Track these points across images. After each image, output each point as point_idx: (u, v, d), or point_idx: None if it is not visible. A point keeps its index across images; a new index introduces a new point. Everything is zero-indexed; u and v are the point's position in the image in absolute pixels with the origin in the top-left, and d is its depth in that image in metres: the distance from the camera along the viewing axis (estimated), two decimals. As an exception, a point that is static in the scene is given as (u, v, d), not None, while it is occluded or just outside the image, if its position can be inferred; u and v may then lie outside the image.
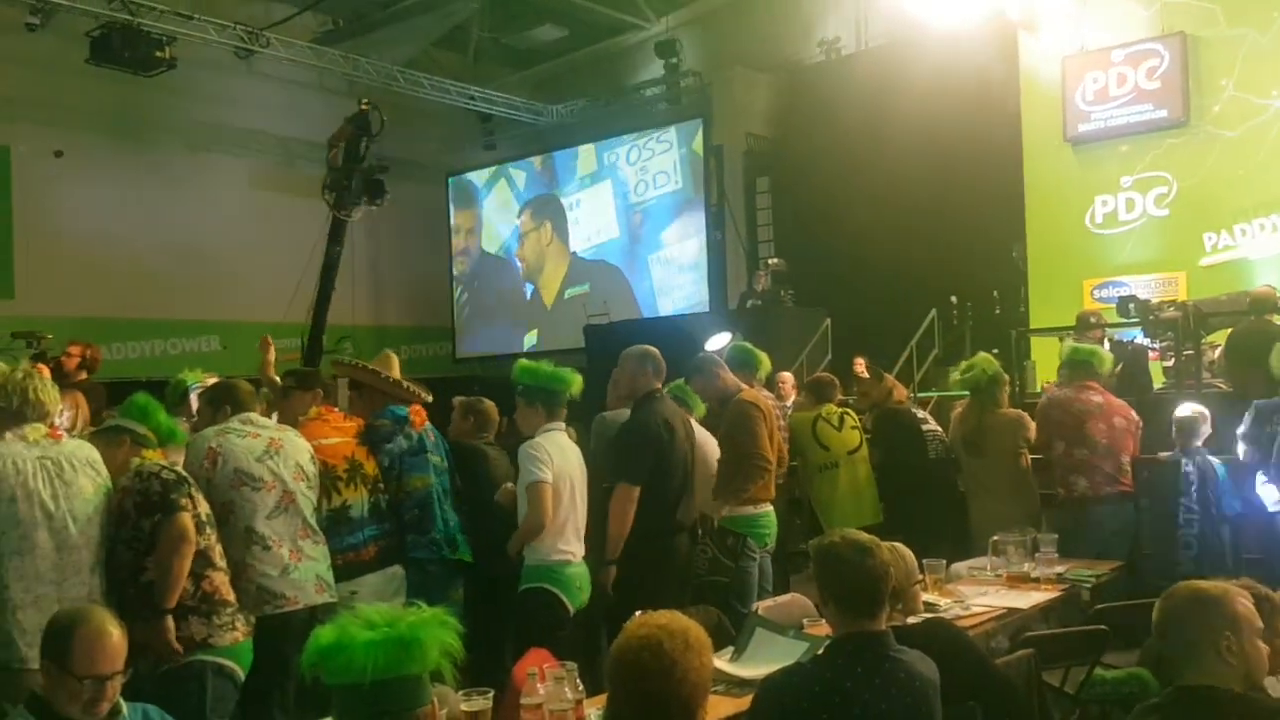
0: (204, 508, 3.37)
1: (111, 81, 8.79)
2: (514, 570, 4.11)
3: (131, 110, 9.31)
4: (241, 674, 3.34)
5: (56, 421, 3.37)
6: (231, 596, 3.36)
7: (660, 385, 4.32)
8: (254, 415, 3.78)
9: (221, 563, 3.38)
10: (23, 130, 9.07)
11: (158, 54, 8.26)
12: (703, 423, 4.79)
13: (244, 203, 10.36)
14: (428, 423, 4.31)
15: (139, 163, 9.64)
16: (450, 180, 12.18)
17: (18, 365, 3.28)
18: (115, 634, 2.46)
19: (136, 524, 3.27)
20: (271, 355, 5.29)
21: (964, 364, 5.19)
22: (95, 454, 3.31)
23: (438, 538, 4.11)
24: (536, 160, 11.71)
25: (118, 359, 8.33)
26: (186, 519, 3.22)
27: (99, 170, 9.43)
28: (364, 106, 8.95)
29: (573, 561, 4.00)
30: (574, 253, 11.39)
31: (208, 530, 3.34)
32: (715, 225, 10.31)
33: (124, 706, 2.53)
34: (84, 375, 5.44)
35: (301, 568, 3.61)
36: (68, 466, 3.23)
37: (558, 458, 3.99)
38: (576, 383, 4.14)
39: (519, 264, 11.76)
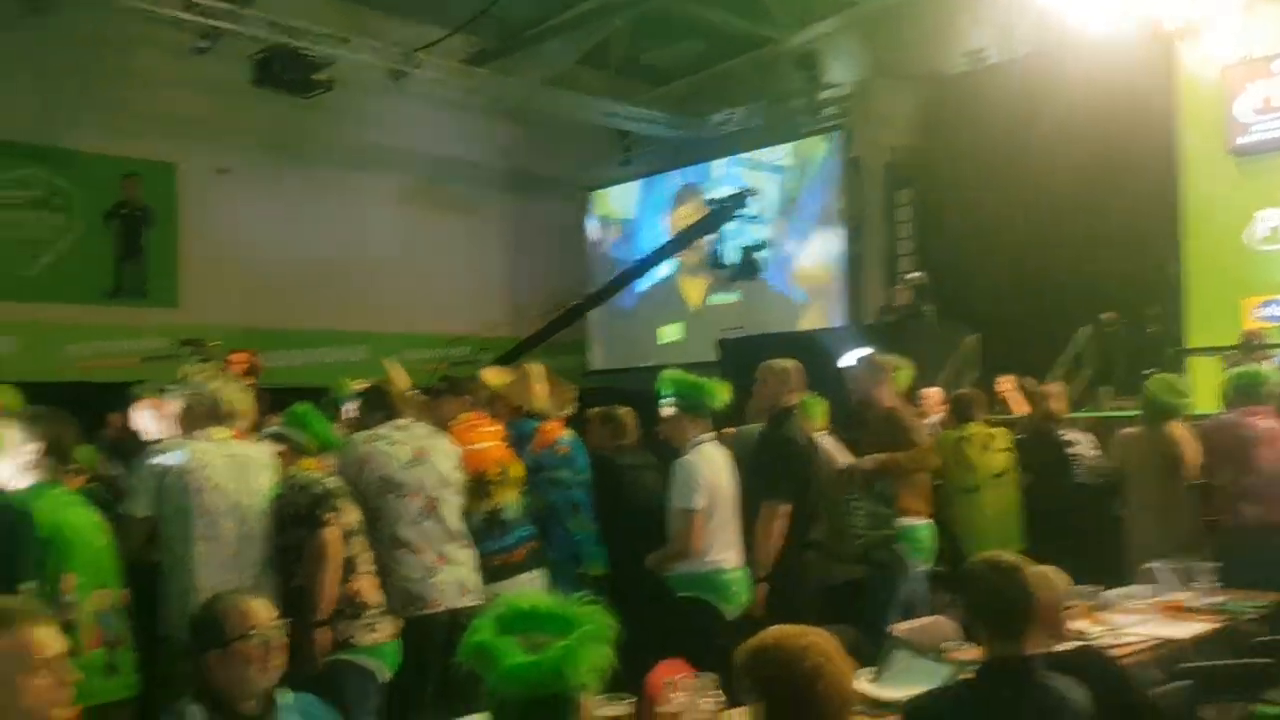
0: (352, 516, 3.52)
1: (272, 102, 9.27)
2: (651, 580, 4.14)
3: (291, 130, 9.78)
4: (384, 672, 3.46)
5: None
6: (375, 599, 3.50)
7: (798, 400, 4.31)
8: (405, 421, 3.91)
9: (367, 567, 3.52)
10: (189, 149, 9.62)
11: (316, 76, 8.69)
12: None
13: (393, 219, 10.77)
14: (561, 436, 4.37)
15: (297, 180, 10.11)
16: (588, 194, 12.37)
17: (214, 370, 3.50)
18: (258, 600, 2.61)
19: (286, 532, 3.45)
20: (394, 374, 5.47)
21: (1159, 382, 4.94)
22: (269, 457, 3.51)
23: (560, 553, 4.20)
24: (675, 175, 11.78)
25: (272, 366, 8.70)
26: (329, 535, 3.38)
27: (259, 187, 9.93)
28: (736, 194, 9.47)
29: (726, 568, 4.02)
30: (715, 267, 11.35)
31: (353, 540, 3.49)
32: (853, 238, 10.16)
33: (285, 696, 2.65)
34: (250, 381, 5.74)
35: (445, 572, 3.72)
36: (250, 465, 3.44)
37: (709, 475, 4.01)
38: (723, 392, 4.14)
39: (660, 272, 11.72)
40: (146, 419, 4.16)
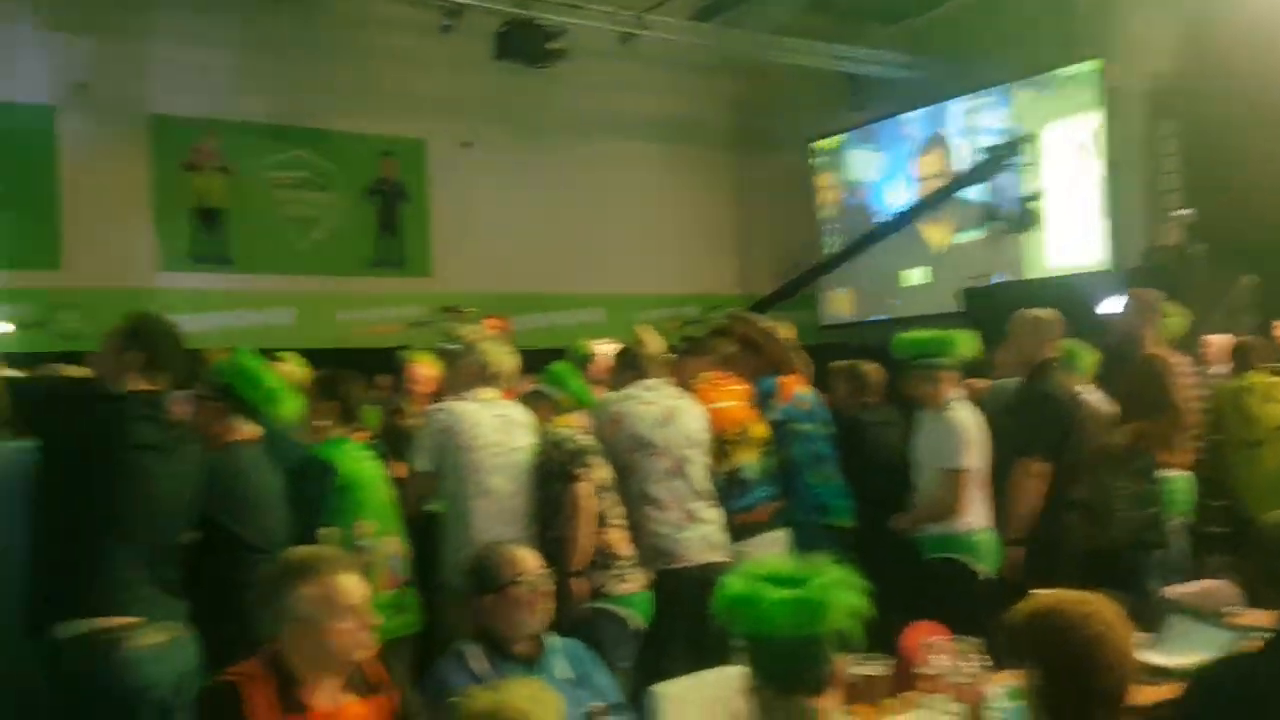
0: (603, 473, 3.67)
1: (512, 75, 9.60)
2: (895, 540, 4.08)
3: (530, 101, 10.10)
4: (636, 621, 3.59)
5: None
6: (626, 551, 3.64)
7: (1059, 352, 4.09)
8: (654, 381, 4.01)
9: (618, 521, 3.66)
10: (437, 125, 10.13)
11: (550, 46, 8.92)
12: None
13: (624, 182, 10.94)
14: (800, 390, 4.36)
15: (535, 149, 10.45)
16: (817, 144, 12.09)
17: (483, 333, 3.72)
18: (526, 549, 2.78)
19: (543, 486, 3.64)
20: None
21: None
22: (529, 416, 3.72)
23: (805, 505, 4.19)
24: (912, 118, 11.30)
25: (516, 330, 9.11)
26: (583, 489, 3.55)
27: (501, 158, 10.33)
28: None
29: (977, 529, 3.93)
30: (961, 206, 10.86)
31: (605, 495, 3.63)
32: (1113, 175, 9.44)
33: (552, 637, 2.81)
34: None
35: (692, 528, 3.83)
36: (515, 425, 3.66)
37: (974, 433, 3.91)
38: (966, 343, 4.01)
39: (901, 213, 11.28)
40: (420, 380, 4.48)
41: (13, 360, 4.04)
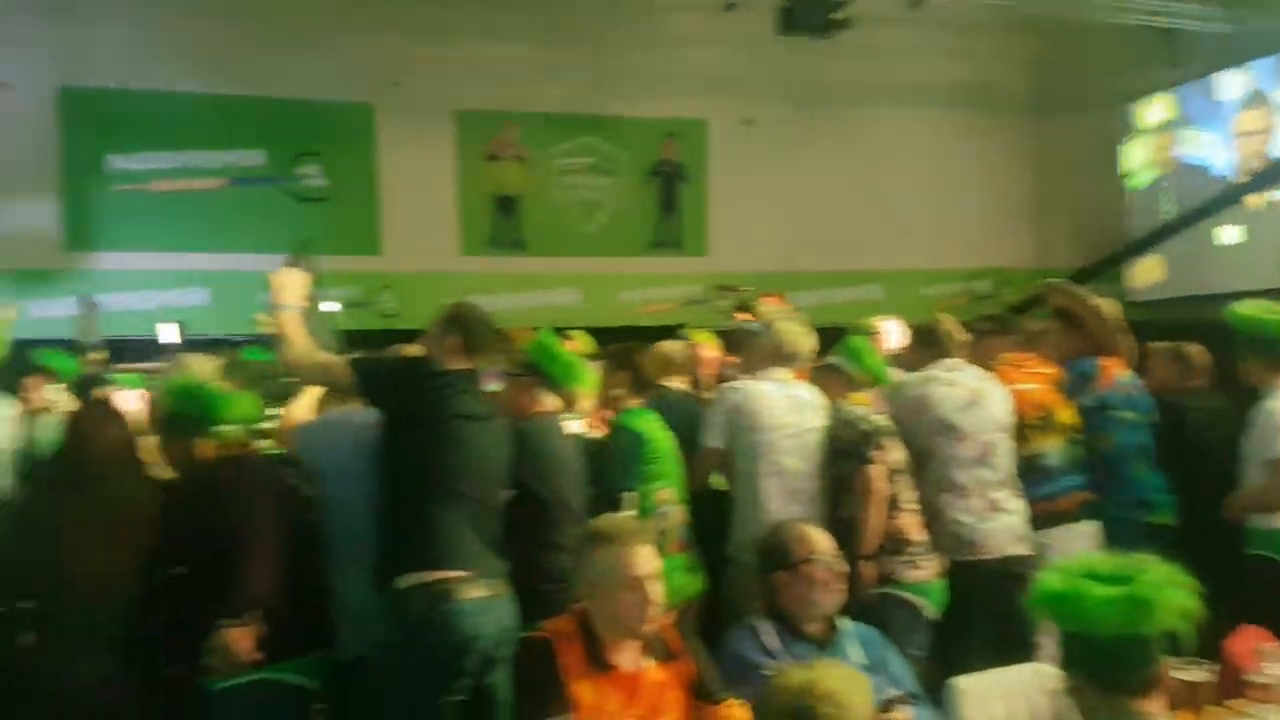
0: (896, 455, 3.58)
1: (794, 48, 9.52)
2: (1220, 535, 3.73)
3: (812, 74, 9.98)
4: (928, 610, 3.49)
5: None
6: (919, 537, 3.53)
7: None
8: (956, 361, 3.87)
9: (911, 505, 3.56)
10: (719, 104, 10.22)
11: (834, 16, 8.75)
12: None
13: (910, 152, 10.60)
14: (1121, 374, 4.05)
15: (817, 123, 10.32)
16: (1125, 106, 11.15)
17: (792, 315, 3.75)
18: (819, 529, 2.78)
19: (834, 465, 3.60)
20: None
21: None
22: (818, 396, 3.71)
23: (1125, 499, 3.89)
24: (1230, 72, 10.19)
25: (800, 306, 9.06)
26: (875, 471, 3.47)
27: (782, 134, 10.29)
28: None
29: None
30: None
31: (898, 478, 3.55)
32: None
33: (844, 623, 2.80)
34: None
35: (996, 518, 3.65)
36: (807, 405, 3.67)
37: None
38: None
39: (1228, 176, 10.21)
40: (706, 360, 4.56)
41: (344, 338, 4.48)
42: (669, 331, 6.51)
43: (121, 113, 8.62)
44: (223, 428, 3.10)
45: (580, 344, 5.92)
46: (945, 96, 10.55)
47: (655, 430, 3.70)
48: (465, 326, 3.15)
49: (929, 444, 3.72)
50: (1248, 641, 2.90)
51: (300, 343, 3.09)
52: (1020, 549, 3.67)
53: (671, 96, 10.08)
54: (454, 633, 2.80)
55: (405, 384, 3.06)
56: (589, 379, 3.59)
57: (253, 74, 8.82)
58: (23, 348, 5.88)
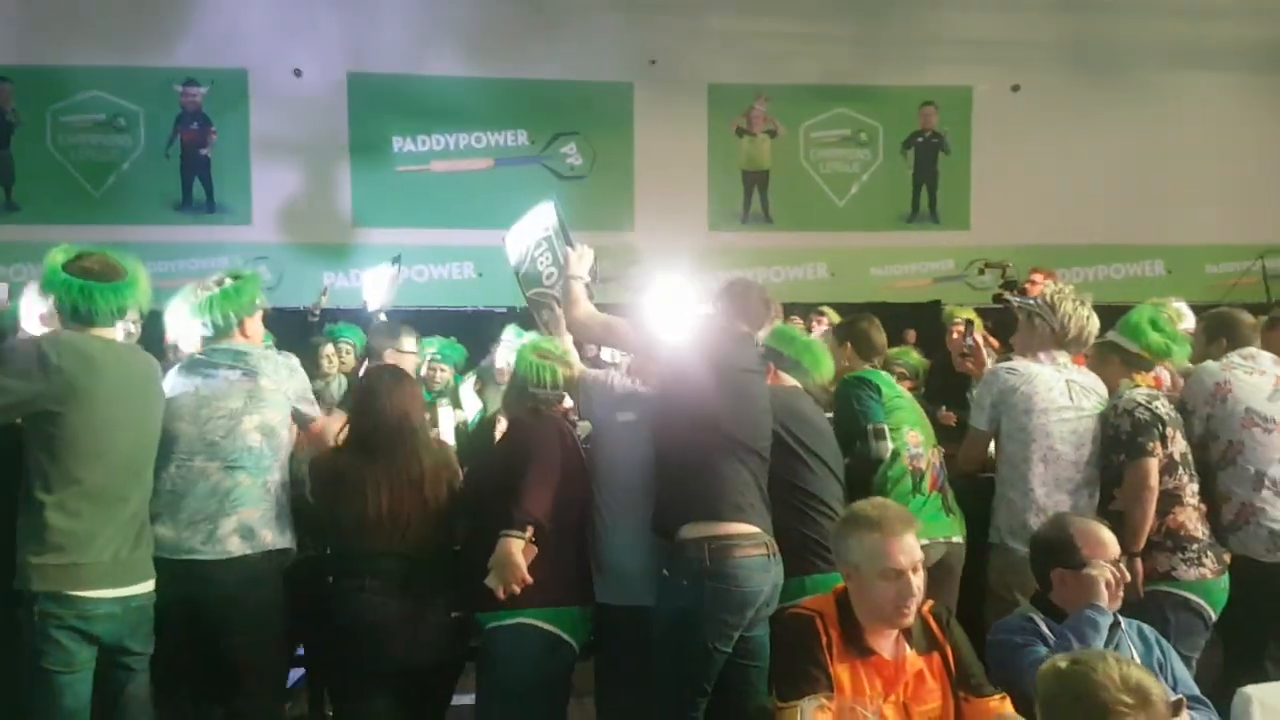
0: (1179, 447, 3.32)
1: (1066, 10, 8.97)
2: None
3: (1086, 36, 9.40)
4: (1208, 610, 3.25)
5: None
6: (1201, 533, 3.28)
7: None
8: (1251, 350, 3.57)
9: (1193, 500, 3.32)
10: (984, 70, 9.77)
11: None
12: None
13: (1201, 117, 9.73)
14: None
15: (1090, 88, 9.68)
16: None
17: (1079, 297, 3.58)
18: (1110, 532, 2.63)
19: (1107, 455, 3.38)
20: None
21: None
22: (1100, 384, 3.50)
23: None
24: None
25: (1071, 283, 8.56)
26: (1150, 465, 3.24)
27: (1052, 100, 9.72)
28: None
29: None
30: None
31: (1179, 471, 3.29)
32: None
33: (1120, 619, 2.64)
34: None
35: None
36: (1085, 390, 3.49)
37: None
38: None
39: None
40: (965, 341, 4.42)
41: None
42: (922, 309, 6.31)
43: (404, 97, 9.26)
44: (540, 392, 3.31)
45: (828, 318, 5.89)
46: (1236, 56, 9.60)
47: (889, 382, 3.76)
48: (743, 294, 3.32)
49: (1238, 436, 3.43)
50: None
51: (586, 306, 3.33)
52: None
53: (933, 64, 9.74)
54: (737, 585, 2.87)
55: (691, 338, 3.20)
56: (827, 364, 3.59)
57: (516, 57, 9.23)
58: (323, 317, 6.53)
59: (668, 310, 3.82)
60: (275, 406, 3.18)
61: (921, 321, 7.34)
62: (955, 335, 5.78)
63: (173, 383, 3.14)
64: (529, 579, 2.95)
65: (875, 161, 10.15)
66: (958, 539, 3.55)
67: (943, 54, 9.61)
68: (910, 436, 3.57)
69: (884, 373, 3.83)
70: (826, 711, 2.16)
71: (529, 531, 2.97)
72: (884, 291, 9.58)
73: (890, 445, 3.50)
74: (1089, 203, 9.63)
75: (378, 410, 3.17)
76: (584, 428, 3.51)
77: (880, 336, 3.90)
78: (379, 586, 3.02)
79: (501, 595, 2.96)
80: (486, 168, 9.48)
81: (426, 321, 7.54)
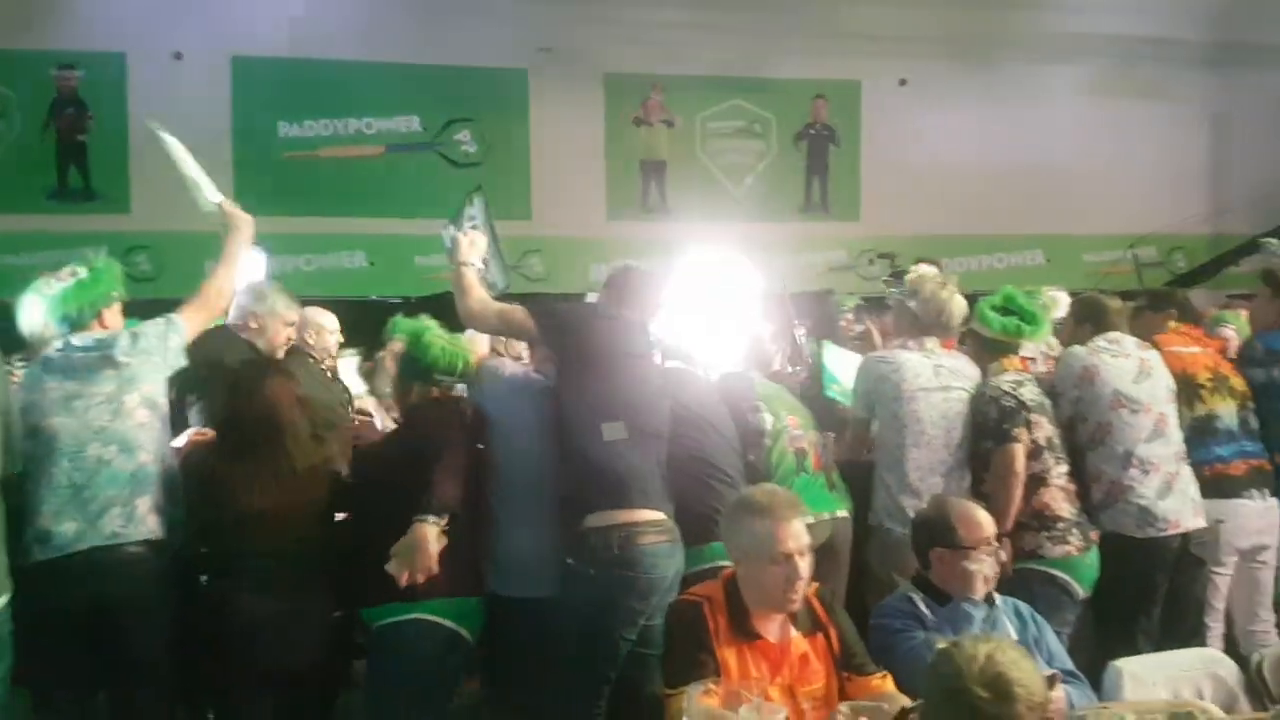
0: (1043, 432, 3.46)
1: (951, 4, 9.18)
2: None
3: (970, 31, 9.60)
4: (1074, 586, 3.38)
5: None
6: (1066, 512, 3.43)
7: None
8: (1120, 335, 3.74)
9: (1059, 481, 3.46)
10: (872, 64, 9.94)
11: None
12: None
13: (1076, 112, 10.08)
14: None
15: (975, 83, 9.91)
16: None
17: (941, 280, 3.67)
18: (986, 514, 2.73)
19: (976, 441, 3.51)
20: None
21: None
22: (972, 368, 3.62)
23: None
24: None
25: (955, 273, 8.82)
26: (1016, 451, 3.38)
27: (938, 94, 9.93)
28: None
29: None
30: None
31: (1044, 455, 3.43)
32: None
33: (996, 596, 2.73)
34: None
35: (1175, 493, 3.56)
36: (954, 374, 3.59)
37: None
38: None
39: None
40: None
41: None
42: (814, 299, 6.42)
43: (290, 81, 9.00)
44: (442, 377, 3.29)
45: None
46: (1113, 52, 9.97)
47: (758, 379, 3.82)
48: (629, 281, 3.41)
49: (1106, 417, 3.60)
50: None
51: (479, 295, 3.27)
52: (1199, 522, 3.57)
53: (824, 57, 9.87)
54: (645, 571, 2.89)
55: (579, 325, 3.23)
56: None
57: (409, 41, 9.06)
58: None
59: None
60: (152, 378, 3.07)
61: (816, 310, 7.47)
62: (844, 323, 5.92)
63: (31, 381, 3.01)
64: (435, 569, 2.90)
65: (770, 153, 10.27)
66: (843, 513, 3.62)
67: (833, 47, 9.75)
68: (789, 420, 3.62)
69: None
70: (713, 696, 2.18)
71: (444, 520, 2.92)
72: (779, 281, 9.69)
73: (769, 417, 3.58)
74: (973, 194, 9.88)
75: (243, 408, 3.08)
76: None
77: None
78: (254, 586, 2.94)
79: (403, 582, 2.88)
80: (377, 154, 9.28)
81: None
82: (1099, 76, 10.09)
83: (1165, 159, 10.27)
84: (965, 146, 9.86)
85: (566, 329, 3.22)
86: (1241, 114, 10.41)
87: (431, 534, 2.89)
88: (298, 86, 9.02)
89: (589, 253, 9.24)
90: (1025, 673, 1.79)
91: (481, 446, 3.26)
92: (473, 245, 3.40)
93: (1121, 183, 10.08)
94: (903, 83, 10.03)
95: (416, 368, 3.30)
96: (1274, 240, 4.04)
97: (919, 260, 6.20)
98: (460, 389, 3.39)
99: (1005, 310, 3.66)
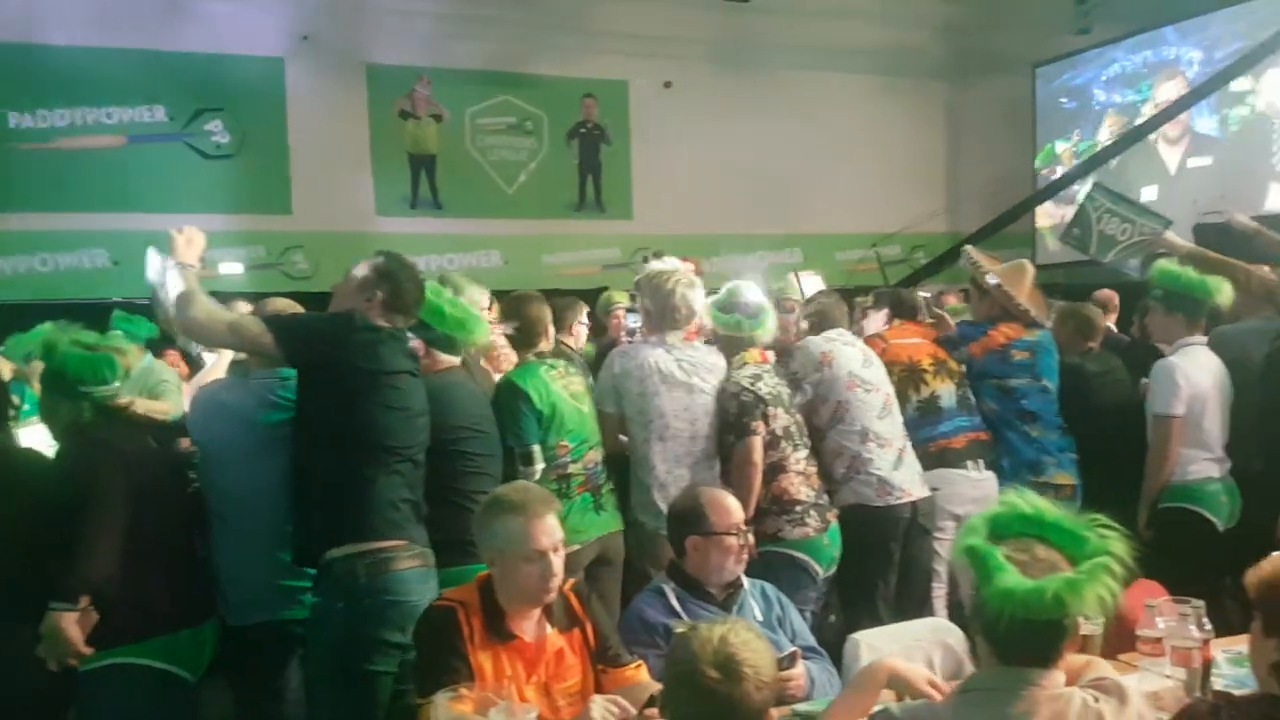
0: (779, 423, 3.64)
1: (714, 10, 9.47)
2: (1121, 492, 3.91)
3: (732, 37, 9.96)
4: (813, 565, 3.57)
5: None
6: (804, 496, 3.62)
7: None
8: (842, 330, 4.03)
9: (797, 467, 3.65)
10: (639, 65, 10.13)
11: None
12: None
13: (828, 116, 10.64)
14: (1017, 339, 4.20)
15: (737, 87, 10.27)
16: (1037, 71, 11.34)
17: (673, 274, 3.74)
18: (736, 500, 2.82)
19: (720, 437, 3.65)
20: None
21: None
22: (719, 359, 3.73)
23: (1013, 462, 4.09)
24: (1142, 39, 10.41)
25: (713, 272, 9.10)
26: (754, 443, 3.55)
27: (702, 97, 10.24)
28: None
29: (1213, 479, 3.78)
30: (1194, 130, 10.04)
31: (782, 444, 3.61)
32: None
33: (744, 579, 2.83)
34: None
35: (904, 465, 3.84)
36: (700, 368, 3.69)
37: (1194, 378, 3.74)
38: (1225, 293, 3.80)
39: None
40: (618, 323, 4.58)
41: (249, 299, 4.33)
42: (592, 295, 6.48)
43: (21, 68, 8.23)
44: (97, 390, 2.86)
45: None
46: (862, 60, 10.60)
47: (544, 384, 3.58)
48: (394, 280, 2.99)
49: (844, 397, 3.85)
50: (1142, 595, 3.01)
51: (205, 304, 2.88)
52: (925, 491, 3.89)
53: (592, 56, 9.97)
54: (397, 599, 2.72)
55: (332, 340, 2.87)
56: (481, 332, 3.46)
57: (154, 27, 8.48)
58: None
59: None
60: None
61: (592, 308, 7.54)
62: (615, 321, 6.01)
63: None
64: (87, 650, 2.65)
65: (542, 150, 10.28)
66: (613, 530, 3.62)
67: (600, 46, 9.87)
68: (560, 448, 3.52)
69: (545, 367, 3.65)
70: (466, 702, 2.15)
71: (84, 601, 2.64)
72: (555, 279, 9.71)
73: (539, 466, 3.45)
74: (736, 196, 10.26)
75: None
76: None
77: (538, 315, 3.72)
78: None
79: (54, 668, 2.64)
80: (119, 145, 8.63)
81: (55, 316, 6.78)
82: (846, 83, 10.69)
83: (907, 162, 11.05)
84: (728, 149, 10.21)
85: (313, 343, 2.86)
86: (971, 118, 11.31)
87: (66, 622, 2.61)
88: (29, 74, 8.26)
89: (356, 249, 8.81)
90: (756, 653, 1.85)
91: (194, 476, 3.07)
92: (190, 242, 3.01)
93: (868, 185, 10.75)
94: (668, 85, 10.27)
95: (58, 386, 2.89)
96: (969, 247, 4.47)
97: (683, 259, 6.42)
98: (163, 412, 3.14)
99: (728, 307, 3.82)
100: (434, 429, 3.06)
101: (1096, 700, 1.81)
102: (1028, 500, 1.91)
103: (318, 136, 9.17)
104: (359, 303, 2.96)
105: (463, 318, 3.34)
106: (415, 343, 3.22)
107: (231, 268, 8.71)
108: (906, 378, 4.06)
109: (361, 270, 3.01)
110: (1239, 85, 9.33)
